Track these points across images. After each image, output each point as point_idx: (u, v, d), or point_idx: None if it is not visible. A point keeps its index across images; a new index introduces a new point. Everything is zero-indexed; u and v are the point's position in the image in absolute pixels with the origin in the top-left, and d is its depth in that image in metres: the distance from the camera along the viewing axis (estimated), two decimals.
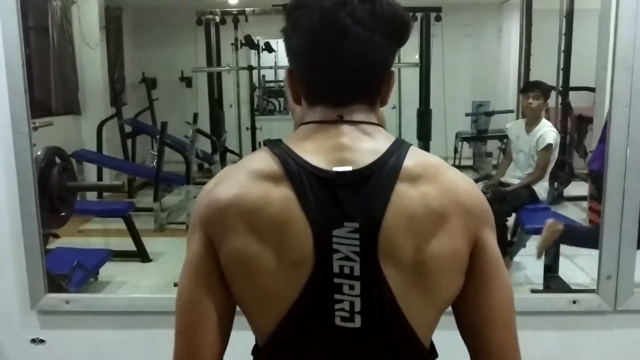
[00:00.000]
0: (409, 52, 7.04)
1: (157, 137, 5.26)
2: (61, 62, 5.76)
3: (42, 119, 4.48)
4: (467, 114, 7.17)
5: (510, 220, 3.91)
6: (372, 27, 0.84)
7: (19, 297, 1.97)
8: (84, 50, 5.98)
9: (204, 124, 6.31)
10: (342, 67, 0.85)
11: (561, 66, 5.04)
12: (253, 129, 6.55)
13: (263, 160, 0.85)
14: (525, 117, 3.85)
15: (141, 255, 4.09)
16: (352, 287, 0.82)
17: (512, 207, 3.77)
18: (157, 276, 3.83)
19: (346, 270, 0.81)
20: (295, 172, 0.83)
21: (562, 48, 5.00)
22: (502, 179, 3.97)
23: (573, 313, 1.91)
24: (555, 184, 4.64)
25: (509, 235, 3.98)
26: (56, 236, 2.91)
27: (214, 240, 0.85)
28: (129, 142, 6.27)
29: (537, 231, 3.59)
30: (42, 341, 2.00)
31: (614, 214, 1.83)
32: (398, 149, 0.85)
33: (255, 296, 0.86)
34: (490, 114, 6.94)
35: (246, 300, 0.87)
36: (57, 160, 2.67)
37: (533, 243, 3.54)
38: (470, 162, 7.30)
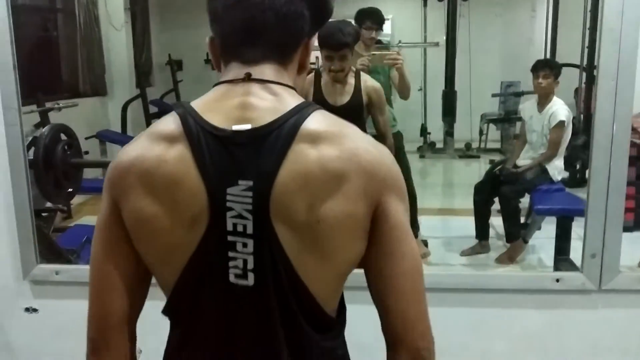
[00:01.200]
0: (435, 32, 6.95)
1: None
2: (87, 44, 5.89)
3: (69, 100, 4.62)
4: (493, 95, 7.04)
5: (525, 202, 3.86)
6: None
7: (13, 268, 2.05)
8: (110, 31, 6.09)
9: None
10: (252, 18, 0.86)
11: (586, 44, 4.89)
12: None
13: (165, 122, 0.87)
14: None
15: None
16: (245, 245, 0.83)
17: (524, 189, 3.71)
18: None
19: (239, 228, 0.82)
20: (194, 131, 0.83)
21: (588, 25, 4.84)
22: (517, 161, 3.90)
23: (557, 292, 1.88)
24: (577, 165, 4.54)
25: (523, 218, 3.94)
26: (63, 211, 3.00)
27: (118, 202, 0.88)
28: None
29: (548, 212, 3.54)
30: (35, 310, 2.08)
31: (599, 190, 1.78)
32: (302, 110, 0.85)
33: (156, 254, 0.88)
34: (519, 94, 6.79)
35: (149, 258, 0.89)
36: (63, 137, 2.74)
37: (550, 226, 3.49)
38: (497, 145, 7.19)
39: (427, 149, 7.23)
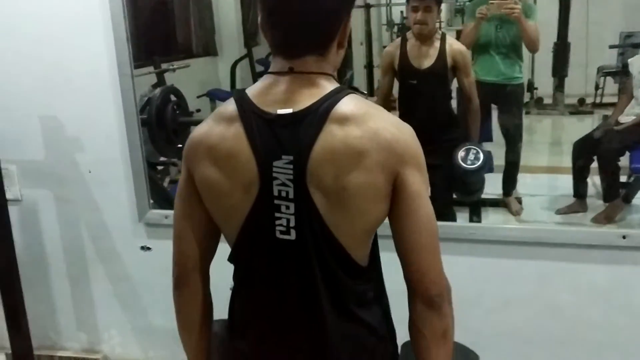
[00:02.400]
0: None
1: None
2: (199, 7, 6.23)
3: (183, 61, 4.99)
4: (611, 46, 6.64)
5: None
6: None
7: (130, 212, 2.39)
8: None
9: None
10: (294, 22, 1.01)
11: None
12: (370, 67, 6.63)
13: (226, 106, 1.07)
14: None
15: None
16: (287, 207, 1.02)
17: (625, 146, 3.59)
18: None
19: (283, 194, 1.01)
20: (247, 114, 1.02)
21: None
22: (620, 118, 3.76)
23: (623, 248, 1.91)
24: None
25: (625, 177, 3.82)
26: (175, 165, 3.33)
27: (192, 170, 1.10)
28: None
29: None
30: (149, 248, 2.41)
31: None
32: (335, 95, 1.01)
33: (221, 214, 1.10)
34: (638, 45, 6.38)
35: (216, 217, 1.12)
36: (172, 98, 3.04)
37: None
38: (614, 100, 6.80)
39: (534, 105, 6.99)
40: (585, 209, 3.81)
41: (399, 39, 2.89)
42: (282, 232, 1.04)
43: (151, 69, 4.35)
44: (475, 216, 3.40)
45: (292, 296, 1.09)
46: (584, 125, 6.49)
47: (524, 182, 4.24)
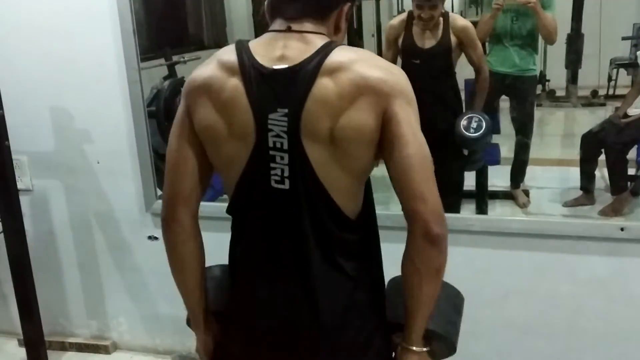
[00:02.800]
0: None
1: None
2: None
3: (193, 53, 5.03)
4: (623, 38, 6.58)
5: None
6: None
7: (138, 202, 2.44)
8: None
9: None
10: None
11: None
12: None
13: (227, 54, 1.11)
14: None
15: None
16: (282, 158, 1.07)
17: (633, 139, 3.58)
18: None
19: (278, 145, 1.06)
20: (247, 67, 1.07)
21: None
22: (628, 110, 3.75)
23: (622, 240, 1.93)
24: None
25: (633, 171, 3.80)
26: None
27: (191, 108, 1.14)
28: None
29: None
30: (156, 238, 2.46)
31: None
32: (325, 49, 1.06)
33: (220, 161, 1.15)
34: None
35: (215, 162, 1.16)
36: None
37: None
38: (627, 91, 6.74)
39: (545, 97, 6.95)
40: (593, 202, 3.80)
41: (404, 13, 2.88)
42: (277, 182, 1.09)
43: (162, 60, 4.40)
44: (482, 207, 3.42)
45: (284, 243, 1.14)
46: (597, 118, 6.43)
47: (534, 175, 4.23)
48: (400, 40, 2.89)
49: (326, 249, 1.13)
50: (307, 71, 1.04)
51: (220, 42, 6.48)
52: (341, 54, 1.06)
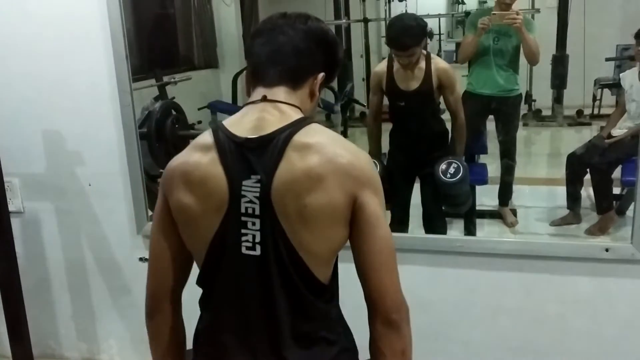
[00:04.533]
0: None
1: None
2: (201, 20, 6.33)
3: (185, 73, 5.07)
4: (607, 59, 6.71)
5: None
6: (303, 30, 1.15)
7: (129, 224, 2.45)
8: (221, 7, 6.48)
9: None
10: (275, 50, 1.13)
11: None
12: (369, 79, 6.69)
13: (203, 136, 1.14)
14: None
15: None
16: (254, 224, 1.08)
17: (617, 159, 3.64)
18: None
19: (250, 211, 1.08)
20: (222, 140, 1.10)
21: None
22: (612, 131, 3.82)
23: (607, 260, 1.96)
24: None
25: (619, 190, 3.86)
26: None
27: (167, 197, 1.16)
28: None
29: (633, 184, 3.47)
30: (147, 259, 2.46)
31: None
32: (296, 125, 1.09)
33: (192, 235, 1.15)
34: (634, 58, 6.43)
35: (187, 240, 1.17)
36: (173, 112, 3.11)
37: None
38: (611, 111, 6.85)
39: (532, 117, 7.05)
40: (579, 221, 3.85)
41: (386, 59, 2.94)
42: (247, 248, 1.09)
43: (153, 81, 4.44)
44: (470, 227, 3.46)
45: (253, 311, 1.13)
46: (582, 137, 6.54)
47: (521, 194, 4.29)
48: (384, 84, 2.95)
49: (299, 315, 1.12)
50: (279, 141, 1.07)
51: (211, 63, 6.56)
52: (311, 132, 1.09)
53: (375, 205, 1.09)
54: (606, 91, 6.75)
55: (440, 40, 8.80)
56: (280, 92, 1.13)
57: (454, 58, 8.11)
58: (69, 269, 2.60)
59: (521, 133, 6.48)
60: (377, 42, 7.31)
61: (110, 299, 2.59)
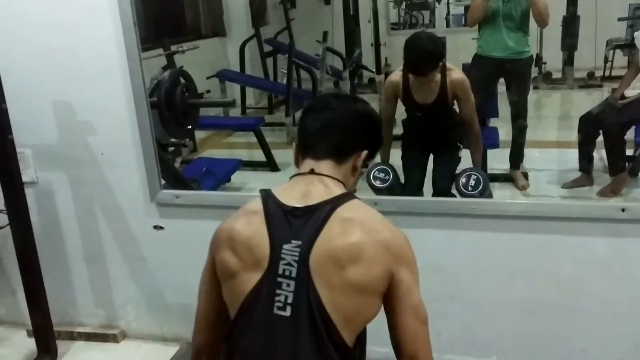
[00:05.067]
0: None
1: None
2: None
3: (191, 43, 5.03)
4: (619, 19, 6.58)
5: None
6: (351, 111, 1.32)
7: (142, 192, 2.46)
8: None
9: (340, 41, 6.48)
10: (324, 127, 1.29)
11: None
12: (377, 44, 6.59)
13: (252, 203, 1.27)
14: None
15: (270, 164, 4.55)
16: (288, 285, 1.16)
17: (630, 120, 3.60)
18: (280, 181, 4.27)
19: (287, 272, 1.16)
20: (269, 207, 1.22)
21: None
22: (625, 92, 3.77)
23: (622, 220, 1.96)
24: None
25: (632, 151, 3.83)
26: (185, 146, 3.40)
27: (214, 256, 1.27)
28: (271, 61, 6.66)
29: None
30: (161, 227, 2.49)
31: None
32: (339, 199, 1.21)
33: (229, 291, 1.23)
34: None
35: (226, 296, 1.25)
36: (181, 80, 3.09)
37: None
38: (624, 73, 6.74)
39: (542, 80, 6.96)
40: (592, 183, 3.84)
41: (400, 70, 2.95)
42: (279, 308, 1.16)
43: (161, 51, 4.41)
44: None
45: None
46: (593, 99, 6.45)
47: (532, 157, 4.27)
48: (400, 95, 2.98)
49: None
50: (322, 212, 1.18)
51: (218, 31, 6.50)
52: (353, 209, 1.21)
53: (410, 281, 1.19)
54: (618, 53, 6.66)
55: (448, 3, 8.68)
56: (326, 166, 1.27)
57: (462, 21, 8.02)
58: (84, 238, 2.63)
59: (531, 96, 6.40)
60: (385, 7, 7.19)
61: (126, 267, 2.62)
